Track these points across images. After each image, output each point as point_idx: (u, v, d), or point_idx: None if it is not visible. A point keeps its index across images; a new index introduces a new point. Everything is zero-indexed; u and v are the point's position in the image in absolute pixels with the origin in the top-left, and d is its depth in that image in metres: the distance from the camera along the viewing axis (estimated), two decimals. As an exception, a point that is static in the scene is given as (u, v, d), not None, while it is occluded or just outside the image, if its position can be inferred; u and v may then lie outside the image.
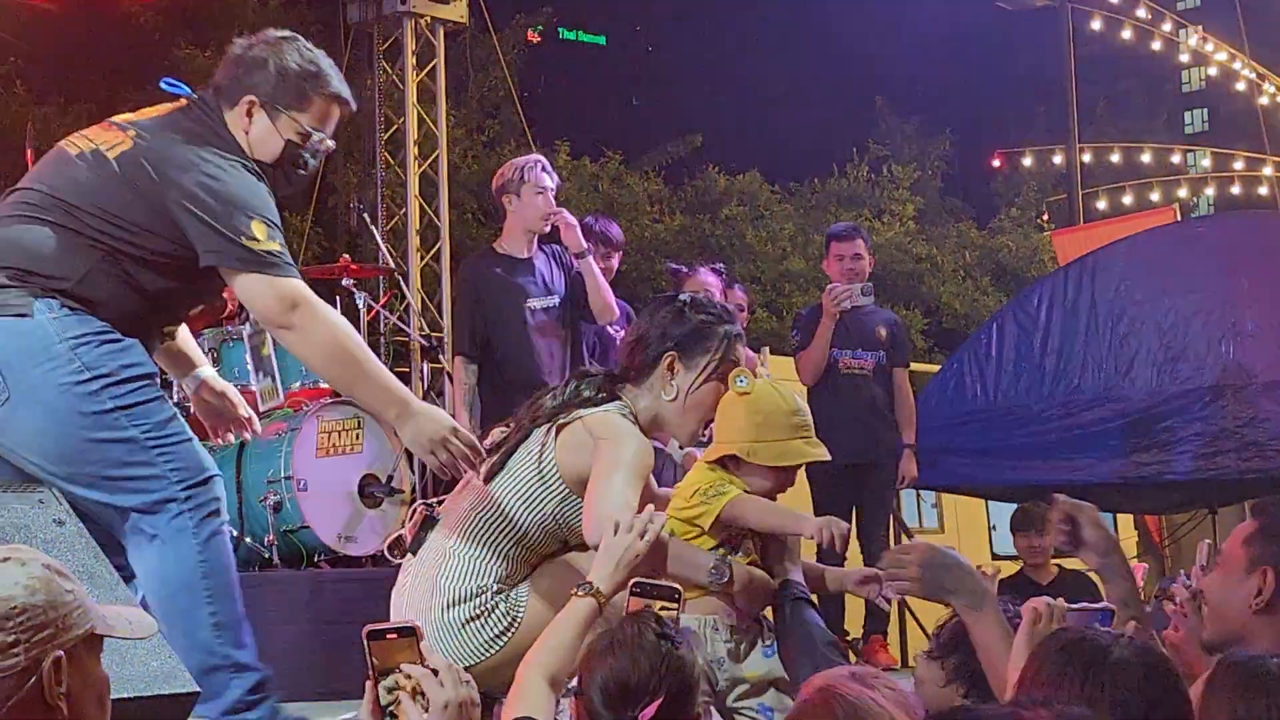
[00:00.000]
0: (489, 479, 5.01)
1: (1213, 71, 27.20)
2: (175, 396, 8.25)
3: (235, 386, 5.98)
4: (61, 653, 2.77)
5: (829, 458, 5.17)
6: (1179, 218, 15.62)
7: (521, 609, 4.95)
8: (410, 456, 9.10)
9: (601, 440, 4.96)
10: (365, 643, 3.29)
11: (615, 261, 9.29)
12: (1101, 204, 26.93)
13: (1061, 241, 17.09)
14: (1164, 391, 9.87)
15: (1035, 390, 10.37)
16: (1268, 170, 26.83)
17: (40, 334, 4.73)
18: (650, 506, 4.60)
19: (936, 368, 12.88)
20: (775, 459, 5.06)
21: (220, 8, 21.15)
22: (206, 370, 5.64)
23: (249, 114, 5.07)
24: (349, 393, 5.29)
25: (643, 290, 21.16)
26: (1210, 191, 29.63)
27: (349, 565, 8.36)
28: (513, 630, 4.91)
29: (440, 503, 5.12)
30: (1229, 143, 31.22)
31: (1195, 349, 9.84)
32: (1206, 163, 31.30)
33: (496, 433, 5.23)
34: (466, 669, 4.94)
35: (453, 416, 5.43)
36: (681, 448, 6.24)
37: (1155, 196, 26.06)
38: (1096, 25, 23.86)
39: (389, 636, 3.29)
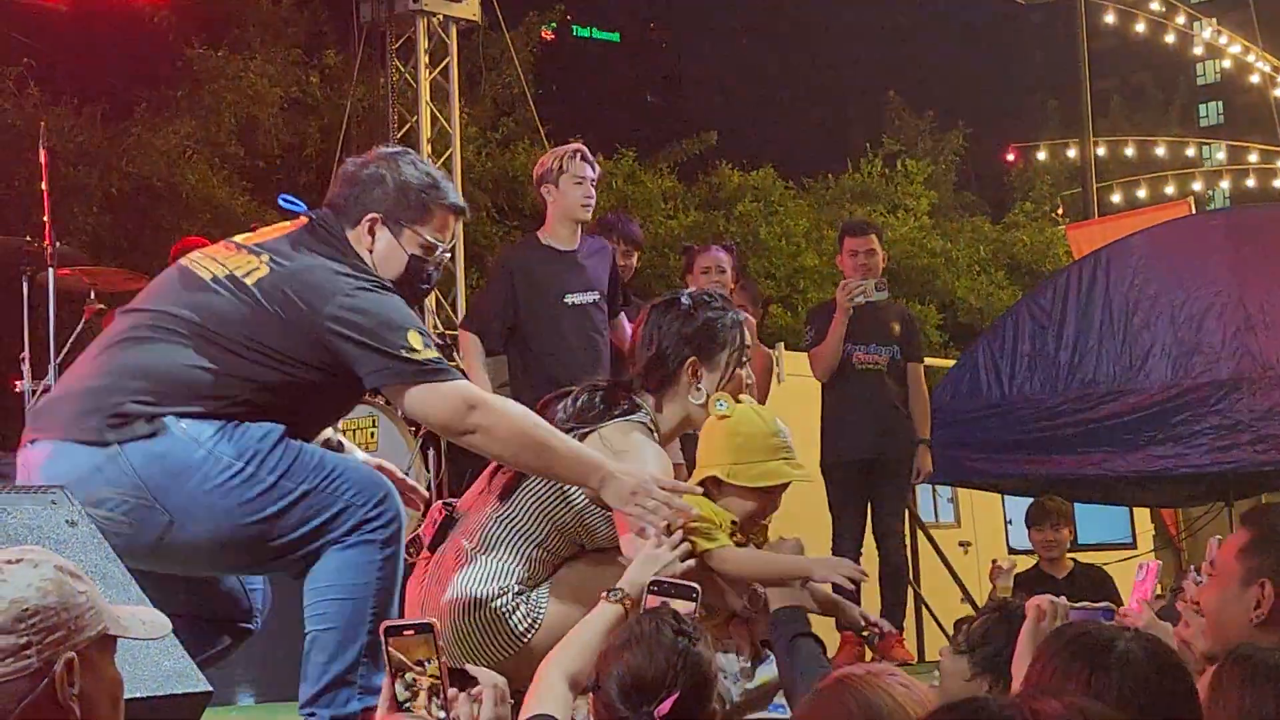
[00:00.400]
0: (506, 494, 5.04)
1: (1227, 64, 27.17)
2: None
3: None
4: (74, 654, 2.77)
5: (811, 479, 5.18)
6: (1194, 211, 15.58)
7: (542, 610, 4.97)
8: (425, 454, 9.11)
9: (621, 455, 4.97)
10: (383, 639, 3.31)
11: (634, 260, 9.29)
12: (1116, 197, 26.90)
13: (1076, 235, 17.04)
14: (1179, 384, 9.85)
15: (1050, 384, 10.35)
16: (1282, 162, 26.79)
17: (179, 448, 4.62)
18: (678, 534, 4.64)
19: (951, 362, 12.85)
20: (755, 480, 5.05)
21: (233, 7, 21.17)
22: (329, 433, 5.37)
23: (371, 232, 4.97)
24: (548, 475, 5.02)
25: (657, 286, 21.14)
26: (1225, 184, 29.62)
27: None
28: (533, 631, 4.93)
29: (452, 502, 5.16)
30: (1244, 135, 31.17)
31: (1210, 342, 9.82)
32: (1221, 156, 31.19)
33: None
34: (486, 668, 4.99)
35: None
36: None
37: (1170, 190, 26.05)
38: (1110, 19, 23.86)
39: (406, 634, 3.32)
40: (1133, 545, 13.84)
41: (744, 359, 5.32)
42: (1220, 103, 55.27)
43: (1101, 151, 26.06)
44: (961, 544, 13.61)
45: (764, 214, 27.24)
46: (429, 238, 5.01)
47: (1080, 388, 10.26)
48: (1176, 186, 26.17)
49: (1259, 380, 9.57)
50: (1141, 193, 26.65)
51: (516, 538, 4.97)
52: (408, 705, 3.28)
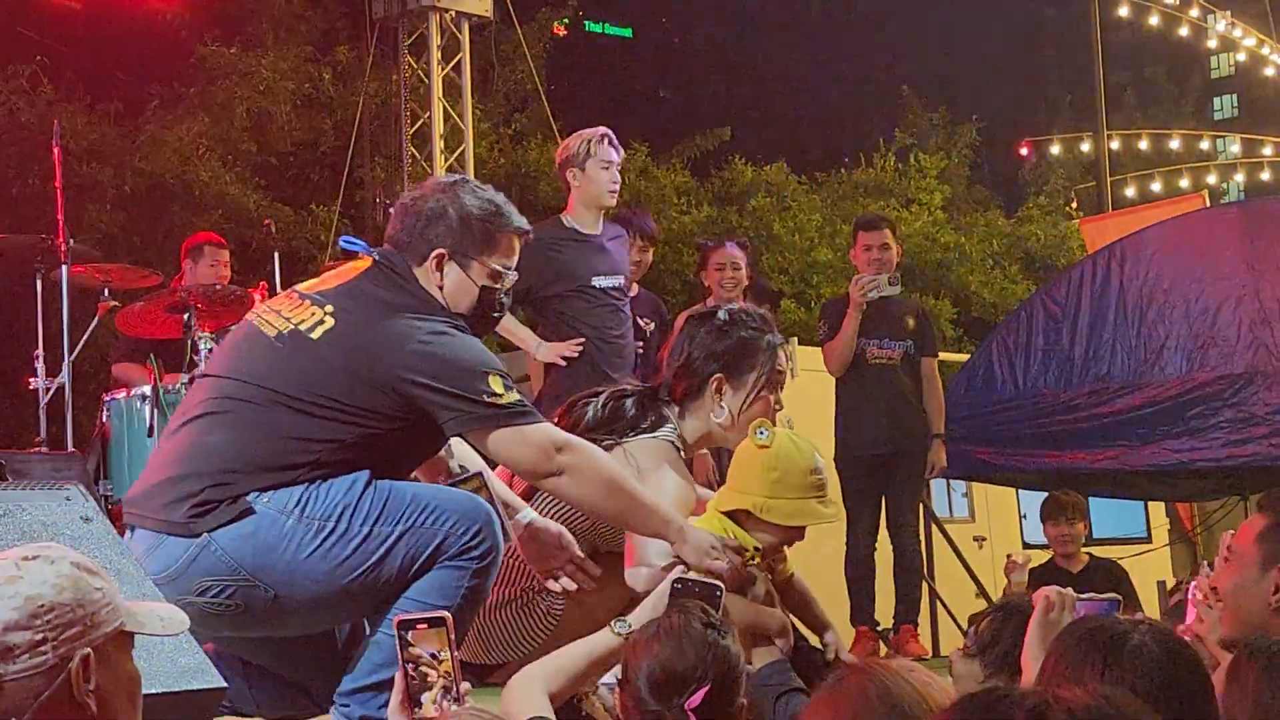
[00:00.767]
0: (526, 498, 5.04)
1: (1241, 57, 27.08)
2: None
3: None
4: (90, 650, 2.77)
5: (841, 519, 5.15)
6: (1208, 204, 15.56)
7: (560, 606, 4.98)
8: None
9: (645, 473, 4.97)
10: (397, 633, 3.32)
11: (649, 256, 9.28)
12: (1130, 191, 26.86)
13: (1090, 229, 17.03)
14: (1194, 378, 9.84)
15: (1065, 378, 10.34)
16: (1297, 155, 26.76)
17: (266, 524, 4.55)
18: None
19: (965, 357, 12.86)
20: (787, 518, 5.00)
21: (246, 3, 21.17)
22: (529, 513, 5.11)
23: (439, 268, 4.85)
24: (623, 524, 4.99)
25: (670, 282, 21.13)
26: (1240, 177, 29.53)
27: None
28: (551, 628, 4.95)
29: None
30: (1258, 128, 31.16)
31: (1225, 335, 9.80)
32: (1236, 149, 31.18)
33: None
34: (503, 664, 5.01)
35: None
36: None
37: (1184, 183, 26.01)
38: (1124, 11, 23.81)
39: (420, 627, 3.32)
40: (1147, 539, 13.84)
41: (775, 383, 5.30)
42: (1235, 96, 55.11)
43: (1115, 145, 26.05)
44: (976, 539, 13.61)
45: (777, 209, 27.21)
46: (497, 266, 4.91)
47: (1095, 382, 10.24)
48: (1191, 180, 26.12)
49: (1274, 374, 9.55)
50: (1156, 186, 26.62)
51: None
52: (421, 697, 3.28)
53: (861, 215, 10.27)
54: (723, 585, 4.05)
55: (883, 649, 9.12)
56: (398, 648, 3.33)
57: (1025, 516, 13.94)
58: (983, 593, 11.30)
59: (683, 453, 5.21)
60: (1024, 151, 34.35)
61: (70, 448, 8.38)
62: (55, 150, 9.05)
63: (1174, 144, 28.38)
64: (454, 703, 3.26)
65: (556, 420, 5.28)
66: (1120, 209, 21.91)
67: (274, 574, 4.55)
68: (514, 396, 4.66)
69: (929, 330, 9.66)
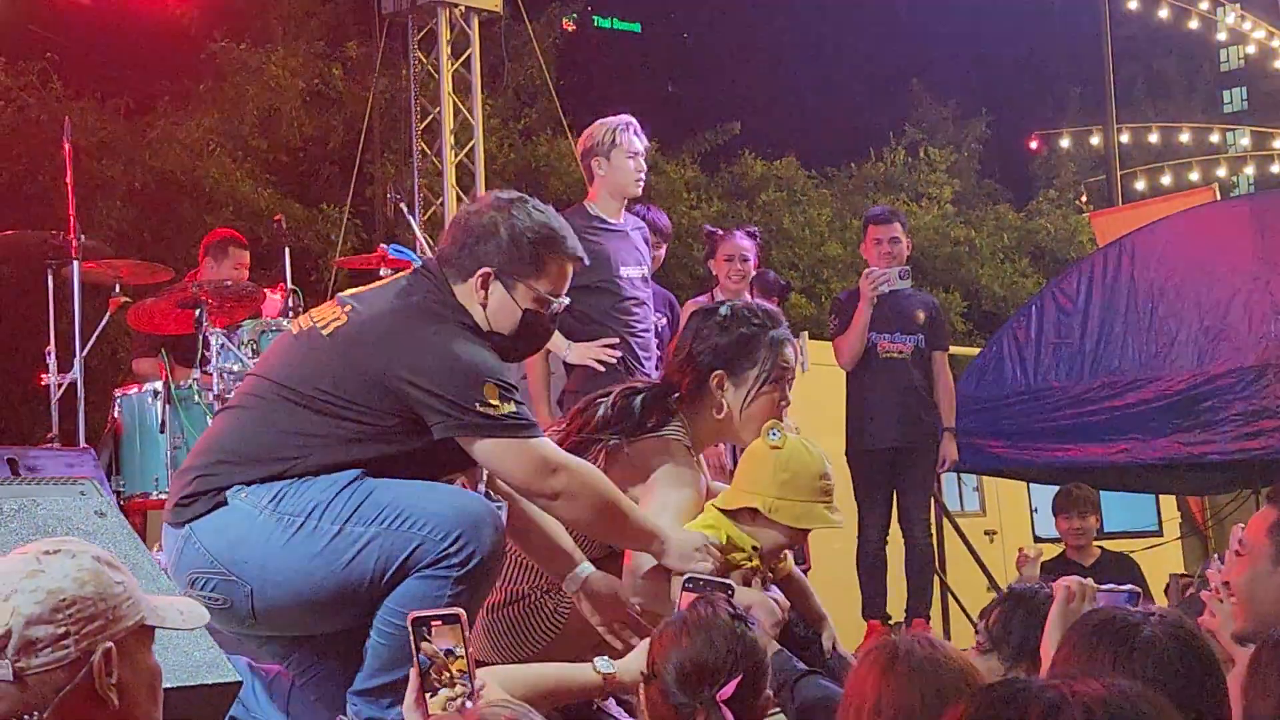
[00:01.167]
0: None
1: (1251, 50, 27.08)
2: (216, 388, 8.29)
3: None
4: (112, 644, 2.78)
5: (844, 524, 5.14)
6: (1218, 197, 15.54)
7: (567, 607, 4.99)
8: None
9: (656, 474, 4.99)
10: (410, 630, 3.32)
11: (663, 252, 9.27)
12: (1140, 184, 26.85)
13: (1100, 223, 17.00)
14: (1205, 371, 9.85)
15: (1076, 372, 10.35)
16: (1307, 148, 26.72)
17: (237, 517, 4.52)
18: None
19: (976, 350, 12.86)
20: (794, 520, 5.00)
21: (256, -1, 21.21)
22: (586, 568, 4.99)
23: (484, 286, 4.74)
24: (612, 541, 4.97)
25: (680, 277, 21.14)
26: (1250, 170, 29.55)
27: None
28: (558, 628, 4.96)
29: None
30: (1268, 121, 31.14)
31: (1236, 328, 9.81)
32: (1245, 141, 31.17)
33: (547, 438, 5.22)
34: (510, 663, 5.01)
35: None
36: None
37: (1194, 176, 25.98)
38: (1133, 5, 23.78)
39: (434, 624, 3.32)
40: (1159, 533, 13.83)
41: (778, 379, 5.29)
42: (1244, 89, 54.97)
43: (1125, 138, 26.01)
44: (987, 532, 13.62)
45: (787, 203, 27.23)
46: (544, 292, 4.79)
47: (1106, 375, 10.25)
48: (1201, 173, 26.10)
49: (1286, 367, 9.56)
50: (1166, 179, 26.60)
51: None
52: (435, 694, 3.29)
53: (872, 209, 10.24)
54: (733, 584, 4.05)
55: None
56: (412, 644, 3.33)
57: (1036, 510, 13.95)
58: (994, 586, 11.30)
59: (691, 449, 5.21)
60: (1034, 145, 34.32)
61: (82, 443, 8.38)
62: (66, 147, 9.04)
63: (1184, 137, 28.35)
64: (468, 699, 3.27)
65: (569, 420, 5.28)
66: (1130, 202, 21.88)
67: (247, 569, 4.51)
68: (510, 408, 4.55)
69: (940, 324, 9.65)
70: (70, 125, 9.28)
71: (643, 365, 7.84)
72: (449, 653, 3.32)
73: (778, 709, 4.18)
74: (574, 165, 20.80)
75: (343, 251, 17.30)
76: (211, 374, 8.33)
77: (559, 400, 7.93)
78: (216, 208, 18.68)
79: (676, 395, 5.23)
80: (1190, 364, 9.94)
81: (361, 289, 4.92)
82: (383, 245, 10.06)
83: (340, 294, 4.93)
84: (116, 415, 8.60)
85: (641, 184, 8.08)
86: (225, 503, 4.55)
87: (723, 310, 5.32)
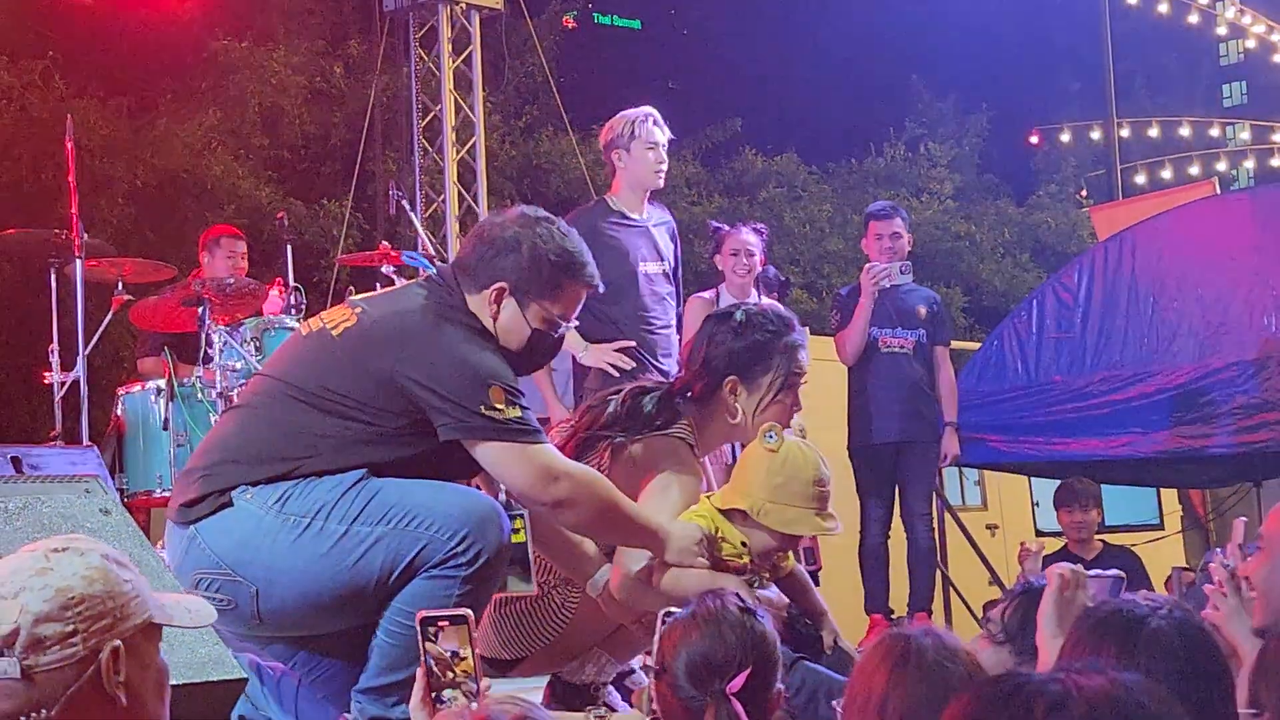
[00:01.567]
0: None
1: (1250, 44, 27.05)
2: (219, 385, 8.30)
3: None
4: (119, 642, 2.77)
5: (840, 531, 5.12)
6: (1218, 191, 15.54)
7: (575, 599, 5.00)
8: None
9: (657, 473, 5.02)
10: (418, 629, 3.34)
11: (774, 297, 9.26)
12: (1140, 179, 26.85)
13: (1101, 217, 16.99)
14: (1206, 365, 9.86)
15: (1077, 366, 10.36)
16: (1307, 142, 26.72)
17: (242, 518, 4.53)
18: None
19: (977, 345, 12.85)
20: (781, 525, 5.02)
21: (257, -4, 21.22)
22: (609, 569, 5.06)
23: (497, 300, 4.74)
24: (613, 542, 4.96)
25: (682, 273, 21.14)
26: (1249, 164, 29.58)
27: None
28: (567, 621, 4.98)
29: None
30: (1268, 115, 31.14)
31: (1237, 322, 9.81)
32: (1245, 135, 31.18)
33: (555, 434, 5.23)
34: (521, 658, 5.03)
35: None
36: None
37: (1194, 170, 26.01)
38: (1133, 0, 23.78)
39: (441, 624, 3.33)
40: (1160, 526, 13.84)
41: (792, 385, 5.29)
42: (1244, 83, 54.97)
43: (1125, 133, 26.03)
44: (989, 526, 13.62)
45: (788, 199, 27.27)
46: (555, 314, 4.81)
47: (1107, 369, 10.26)
48: (1201, 167, 26.13)
49: (1286, 360, 9.57)
50: (1166, 174, 26.61)
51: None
52: (442, 693, 3.30)
53: (872, 204, 10.24)
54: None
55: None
56: (420, 644, 3.34)
57: (1038, 504, 13.94)
58: (996, 580, 11.32)
59: (696, 450, 5.22)
60: (1034, 140, 34.32)
61: (86, 441, 8.39)
62: (68, 145, 9.05)
63: (1184, 131, 28.36)
64: (473, 700, 3.28)
65: (579, 416, 5.29)
66: (1131, 196, 21.89)
67: (253, 569, 4.52)
68: (515, 413, 4.55)
69: (941, 318, 9.65)
70: (72, 124, 9.28)
71: (661, 363, 7.82)
72: (455, 654, 3.33)
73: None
74: (575, 162, 20.86)
75: (344, 249, 17.33)
76: (214, 371, 8.34)
77: (580, 395, 7.86)
78: (218, 205, 18.70)
79: (688, 397, 5.24)
80: (1191, 357, 9.95)
81: (373, 294, 4.94)
82: (385, 242, 10.08)
83: (351, 297, 4.94)
84: (119, 413, 8.61)
85: (662, 176, 8.01)
86: (231, 503, 4.56)
87: (737, 315, 5.32)
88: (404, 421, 4.59)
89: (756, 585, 4.89)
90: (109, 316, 9.14)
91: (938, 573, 9.98)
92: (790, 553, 5.29)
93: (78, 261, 8.72)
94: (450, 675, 3.31)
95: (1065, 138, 31.28)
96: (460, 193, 16.23)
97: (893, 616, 9.32)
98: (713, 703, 3.32)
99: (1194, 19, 24.29)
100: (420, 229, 10.97)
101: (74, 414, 8.68)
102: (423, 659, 3.32)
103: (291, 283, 9.33)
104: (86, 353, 8.72)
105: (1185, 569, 10.03)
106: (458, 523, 4.48)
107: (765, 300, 8.47)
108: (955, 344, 10.37)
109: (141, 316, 8.90)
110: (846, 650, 5.15)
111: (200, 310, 8.44)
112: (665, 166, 8.05)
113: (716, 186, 26.98)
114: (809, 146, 30.33)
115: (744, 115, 28.46)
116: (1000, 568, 11.52)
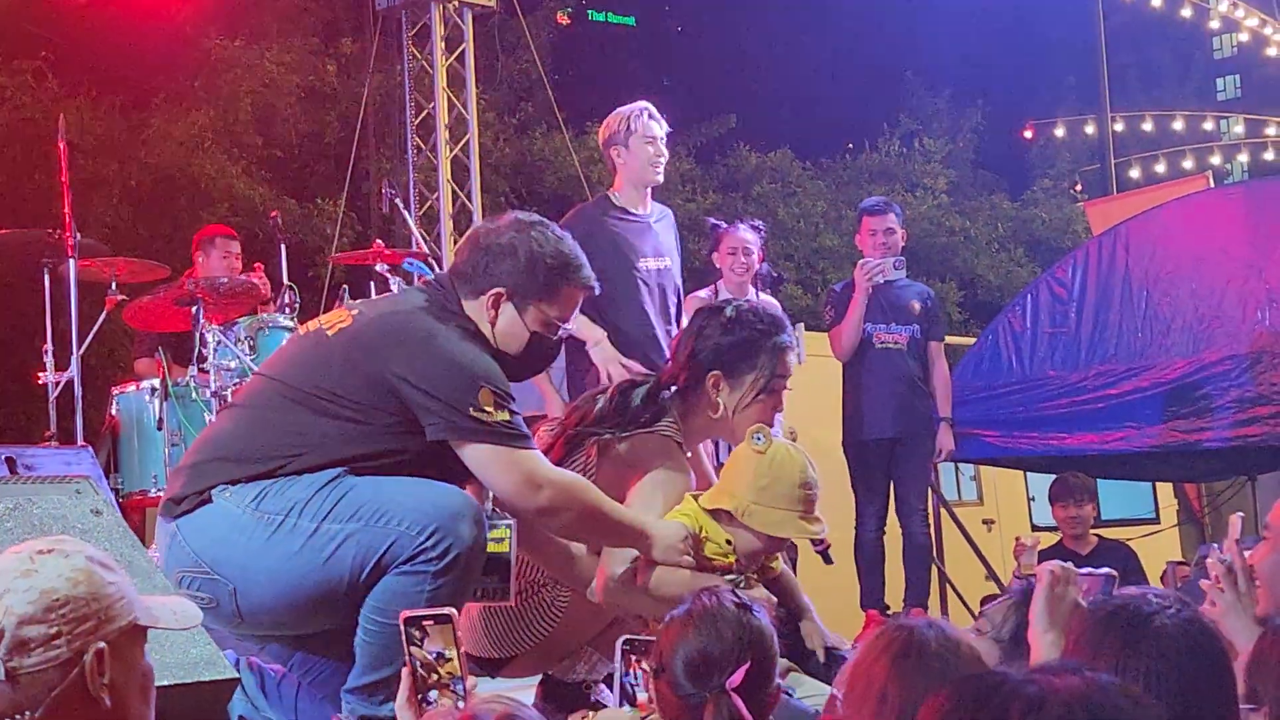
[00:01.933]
0: None
1: (1244, 38, 27.09)
2: (214, 385, 8.30)
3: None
4: (104, 644, 2.78)
5: (824, 536, 5.11)
6: (1212, 185, 15.54)
7: (564, 598, 5.00)
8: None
9: (645, 471, 5.01)
10: (403, 630, 3.33)
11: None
12: (1134, 173, 26.87)
13: (1095, 211, 17.01)
14: (1200, 359, 9.84)
15: (1071, 360, 10.35)
16: (1301, 135, 26.73)
17: (219, 516, 4.55)
18: None
19: (972, 340, 12.85)
20: (766, 527, 5.00)
21: (251, -5, 21.21)
22: None
23: (495, 305, 4.78)
24: (599, 544, 4.95)
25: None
26: (1243, 158, 29.54)
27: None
28: (556, 620, 4.97)
29: None
30: (1261, 109, 31.15)
31: (1231, 316, 9.80)
32: (1239, 129, 31.20)
33: (544, 432, 5.22)
34: (512, 657, 5.02)
35: None
36: None
37: (1188, 164, 25.99)
38: (1126, -7, 23.79)
39: (425, 623, 3.33)
40: (1156, 520, 13.85)
41: (775, 388, 5.28)
42: (1237, 76, 54.98)
43: (1119, 127, 26.02)
44: (985, 521, 13.62)
45: (782, 195, 27.29)
46: (553, 317, 4.85)
47: (1101, 363, 10.25)
48: (1195, 161, 26.10)
49: (1280, 353, 9.56)
50: (1160, 168, 26.63)
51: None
52: (427, 694, 3.30)
53: (866, 200, 10.23)
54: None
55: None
56: (404, 644, 3.34)
57: (1034, 499, 13.95)
58: (992, 575, 11.32)
59: (683, 445, 5.21)
60: (1028, 134, 34.35)
61: (80, 442, 8.39)
62: (61, 145, 9.03)
63: (1178, 125, 28.38)
64: (459, 699, 3.27)
65: (567, 414, 5.29)
66: (1125, 190, 21.90)
67: (229, 568, 4.53)
68: (503, 416, 4.56)
69: (936, 314, 9.64)
70: (65, 123, 9.27)
71: (665, 357, 7.81)
72: (440, 655, 3.32)
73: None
74: (569, 159, 20.85)
75: (338, 247, 17.32)
76: (209, 371, 8.34)
77: (575, 392, 7.82)
78: (212, 204, 18.69)
79: (674, 389, 5.24)
80: (1185, 351, 9.94)
81: (371, 298, 4.96)
82: (379, 240, 10.07)
83: (348, 301, 4.96)
84: (114, 413, 8.60)
85: (660, 169, 7.96)
86: (210, 500, 4.58)
87: (728, 311, 5.31)
88: (392, 420, 4.60)
89: (742, 587, 4.85)
90: (103, 316, 9.13)
91: (933, 568, 9.97)
92: (778, 555, 5.28)
93: (71, 261, 8.70)
94: (435, 676, 3.30)
95: (1059, 132, 31.32)
96: (454, 191, 16.22)
97: (888, 612, 9.32)
98: (712, 699, 3.31)
99: (1187, 13, 24.28)
100: (414, 227, 10.96)
101: (69, 414, 8.66)
102: (408, 660, 3.32)
103: (285, 281, 9.32)
104: (81, 352, 8.71)
105: (1180, 563, 10.05)
106: (427, 518, 4.47)
107: (764, 298, 8.46)
108: (950, 339, 10.37)
109: (135, 317, 8.89)
110: (837, 650, 5.14)
111: (194, 310, 8.43)
112: (664, 159, 8.02)
113: (711, 182, 27.00)
114: (803, 142, 30.35)
115: (738, 111, 28.49)
116: (996, 563, 11.52)
